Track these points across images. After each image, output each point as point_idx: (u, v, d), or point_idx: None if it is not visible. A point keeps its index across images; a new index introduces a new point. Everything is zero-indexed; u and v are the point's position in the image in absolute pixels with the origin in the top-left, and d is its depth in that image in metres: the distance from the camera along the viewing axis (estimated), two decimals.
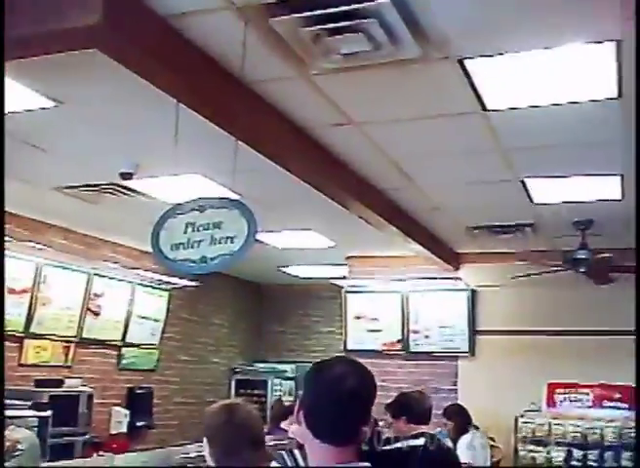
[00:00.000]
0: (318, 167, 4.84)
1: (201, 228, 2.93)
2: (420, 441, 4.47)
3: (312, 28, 2.97)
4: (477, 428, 6.58)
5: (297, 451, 4.79)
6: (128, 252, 8.39)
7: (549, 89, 3.67)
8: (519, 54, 3.27)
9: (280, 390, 10.51)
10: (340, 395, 1.81)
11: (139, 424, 8.46)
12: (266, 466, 3.02)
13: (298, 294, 11.22)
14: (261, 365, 10.94)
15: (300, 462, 4.79)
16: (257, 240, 7.65)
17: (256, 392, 10.45)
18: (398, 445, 4.41)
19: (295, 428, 4.97)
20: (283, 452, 4.67)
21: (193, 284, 9.02)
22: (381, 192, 5.64)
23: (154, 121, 4.11)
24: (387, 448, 4.32)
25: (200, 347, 10.02)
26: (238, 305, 11.05)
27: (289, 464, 4.67)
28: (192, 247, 2.92)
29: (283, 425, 5.55)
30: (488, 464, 6.50)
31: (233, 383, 10.63)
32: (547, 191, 5.45)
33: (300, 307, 11.32)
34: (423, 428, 4.59)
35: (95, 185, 5.78)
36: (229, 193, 5.79)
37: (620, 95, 3.62)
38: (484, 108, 3.84)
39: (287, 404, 7.52)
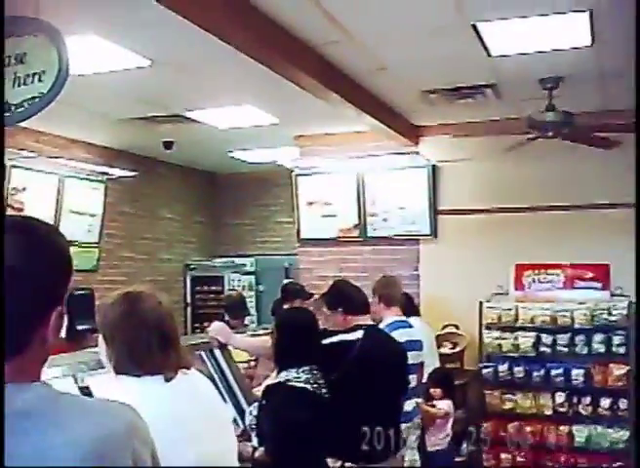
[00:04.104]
0: (227, 15, 3.98)
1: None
2: (358, 334, 3.93)
3: None
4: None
5: (217, 352, 4.22)
6: (53, 140, 7.56)
7: None
8: None
9: (239, 285, 9.93)
10: None
11: (80, 328, 7.86)
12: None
13: (254, 183, 10.45)
14: (219, 260, 10.31)
15: (222, 364, 4.23)
16: (193, 120, 6.97)
17: (213, 289, 9.91)
18: (334, 339, 3.88)
19: (217, 325, 4.35)
20: (202, 353, 4.09)
21: (131, 174, 8.26)
22: (313, 48, 4.78)
23: None
24: (324, 342, 3.77)
25: (148, 243, 9.32)
26: (190, 197, 10.30)
27: (209, 365, 4.11)
28: None
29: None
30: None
31: (188, 280, 10.05)
32: (505, 39, 4.63)
33: (257, 197, 10.58)
34: (363, 319, 4.05)
35: None
36: (136, 57, 4.98)
37: None
38: None
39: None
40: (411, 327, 4.84)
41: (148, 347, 2.19)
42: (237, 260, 10.22)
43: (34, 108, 2.11)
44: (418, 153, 7.21)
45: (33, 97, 2.08)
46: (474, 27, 4.40)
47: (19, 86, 2.10)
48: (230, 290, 9.28)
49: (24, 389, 1.16)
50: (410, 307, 5.94)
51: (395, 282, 5.16)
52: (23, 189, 7.14)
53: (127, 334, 2.22)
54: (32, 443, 1.10)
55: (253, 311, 9.68)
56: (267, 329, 5.27)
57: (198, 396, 2.30)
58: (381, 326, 4.68)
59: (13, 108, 2.08)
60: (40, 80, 2.07)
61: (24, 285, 1.17)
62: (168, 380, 2.15)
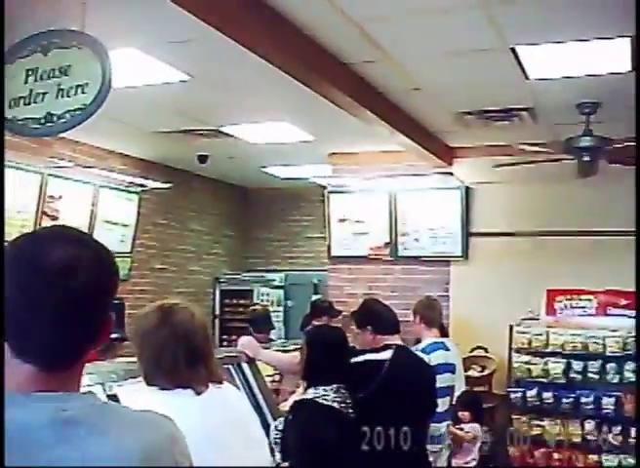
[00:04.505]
0: (265, 32, 4.01)
1: (45, 76, 2.17)
2: (387, 354, 3.90)
3: None
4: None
5: (245, 365, 4.22)
6: (90, 151, 7.66)
7: None
8: None
9: (267, 300, 9.94)
10: (49, 294, 1.15)
11: (110, 337, 7.92)
12: None
13: (286, 199, 10.51)
14: (248, 274, 10.34)
15: (250, 378, 4.22)
16: (228, 134, 7.02)
17: (242, 302, 9.92)
18: (362, 358, 3.86)
19: (245, 340, 4.37)
20: (230, 367, 4.10)
21: (165, 186, 8.33)
22: (348, 66, 4.80)
23: None
24: (352, 360, 3.76)
25: (179, 255, 9.38)
26: (222, 210, 10.36)
27: (236, 379, 4.11)
28: (35, 101, 2.17)
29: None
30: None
31: (217, 293, 10.08)
32: (544, 62, 4.61)
33: (288, 212, 10.63)
34: (392, 339, 4.03)
35: None
36: (175, 72, 5.04)
37: None
38: None
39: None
40: (448, 350, 4.84)
41: (175, 360, 2.20)
42: (267, 275, 10.24)
43: (77, 119, 2.14)
44: (451, 174, 7.18)
45: (76, 109, 2.11)
46: (513, 50, 4.38)
47: (62, 97, 2.13)
48: (254, 304, 9.28)
49: (74, 397, 1.18)
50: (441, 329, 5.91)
51: (436, 304, 5.31)
52: (59, 197, 7.23)
53: (154, 346, 2.23)
54: (81, 451, 1.11)
55: (280, 326, 9.68)
56: (297, 344, 5.28)
57: (230, 409, 2.30)
58: (420, 346, 4.70)
59: (56, 119, 2.11)
60: (83, 92, 2.10)
61: (93, 297, 1.19)
62: (198, 394, 2.15)
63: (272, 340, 6.65)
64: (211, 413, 2.16)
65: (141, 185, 8.11)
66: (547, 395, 6.36)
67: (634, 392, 6.10)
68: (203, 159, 8.26)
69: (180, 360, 2.19)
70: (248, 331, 5.96)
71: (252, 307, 7.53)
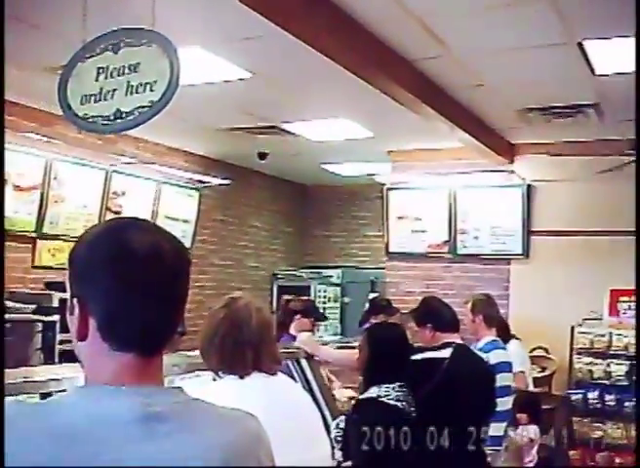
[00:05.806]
0: (327, 29, 4.02)
1: (115, 73, 2.22)
2: (446, 352, 3.87)
3: None
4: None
5: (304, 361, 4.23)
6: (152, 148, 7.78)
7: None
8: None
9: (324, 296, 9.96)
10: (150, 281, 1.19)
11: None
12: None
13: (344, 196, 10.52)
14: (305, 270, 10.37)
15: (308, 374, 4.23)
16: (289, 131, 7.05)
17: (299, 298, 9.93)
18: (421, 355, 3.83)
19: (304, 336, 4.38)
20: (288, 362, 4.11)
21: (225, 182, 8.42)
22: (410, 63, 4.78)
23: None
24: (411, 358, 3.73)
25: (237, 251, 9.48)
26: (280, 207, 10.42)
27: (295, 375, 4.12)
28: (105, 99, 2.22)
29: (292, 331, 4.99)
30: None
31: (275, 289, 10.13)
32: (611, 57, 4.50)
33: (346, 209, 10.63)
34: (451, 337, 3.99)
35: None
36: (237, 69, 5.08)
37: None
38: None
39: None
40: (505, 349, 4.81)
41: (223, 342, 2.32)
42: (324, 272, 10.25)
43: (145, 116, 2.19)
44: (512, 172, 7.08)
45: (144, 106, 2.16)
46: (580, 45, 4.30)
47: (131, 94, 2.18)
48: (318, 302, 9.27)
49: (162, 392, 1.19)
50: (506, 332, 5.80)
51: (495, 302, 5.27)
52: (123, 193, 7.37)
53: (210, 326, 2.37)
54: (165, 447, 1.11)
55: (337, 323, 9.69)
56: (350, 342, 5.27)
57: (279, 397, 2.33)
58: (479, 345, 4.66)
59: (124, 116, 2.16)
60: (152, 89, 2.14)
61: (179, 282, 1.23)
62: (241, 377, 2.26)
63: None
64: (252, 397, 2.16)
65: (202, 182, 8.21)
66: (609, 397, 6.23)
67: None
68: (263, 156, 8.31)
69: (228, 343, 2.31)
70: (291, 320, 5.88)
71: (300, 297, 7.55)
